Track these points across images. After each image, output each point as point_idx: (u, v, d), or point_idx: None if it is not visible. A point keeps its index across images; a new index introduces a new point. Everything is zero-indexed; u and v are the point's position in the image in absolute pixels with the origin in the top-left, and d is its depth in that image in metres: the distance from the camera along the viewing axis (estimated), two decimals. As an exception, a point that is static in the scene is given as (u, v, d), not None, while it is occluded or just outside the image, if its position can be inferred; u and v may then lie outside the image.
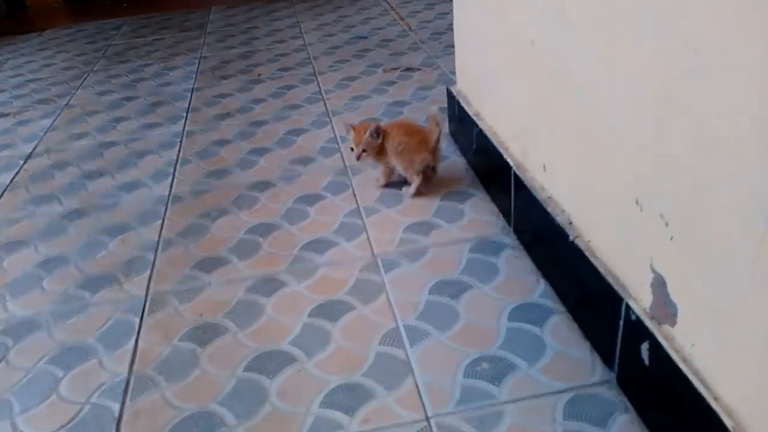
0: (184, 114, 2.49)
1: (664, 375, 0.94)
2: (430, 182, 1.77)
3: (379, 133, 1.72)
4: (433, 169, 1.77)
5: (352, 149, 1.74)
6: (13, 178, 2.09)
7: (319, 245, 1.58)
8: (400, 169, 1.75)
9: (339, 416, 1.11)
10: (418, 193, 1.74)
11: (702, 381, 0.87)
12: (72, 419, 1.16)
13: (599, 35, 1.05)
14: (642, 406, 1.04)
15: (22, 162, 2.20)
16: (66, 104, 2.72)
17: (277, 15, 3.81)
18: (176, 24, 3.88)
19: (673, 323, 0.94)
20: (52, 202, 1.92)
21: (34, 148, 2.31)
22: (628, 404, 1.06)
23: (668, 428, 0.98)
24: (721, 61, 0.75)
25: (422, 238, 1.55)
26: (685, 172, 0.86)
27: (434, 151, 1.72)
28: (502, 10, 1.49)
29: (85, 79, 3.03)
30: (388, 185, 1.80)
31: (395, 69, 2.68)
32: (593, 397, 1.09)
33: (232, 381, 1.21)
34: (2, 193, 2.00)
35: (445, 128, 1.99)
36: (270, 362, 1.24)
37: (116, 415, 1.17)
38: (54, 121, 2.54)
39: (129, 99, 2.71)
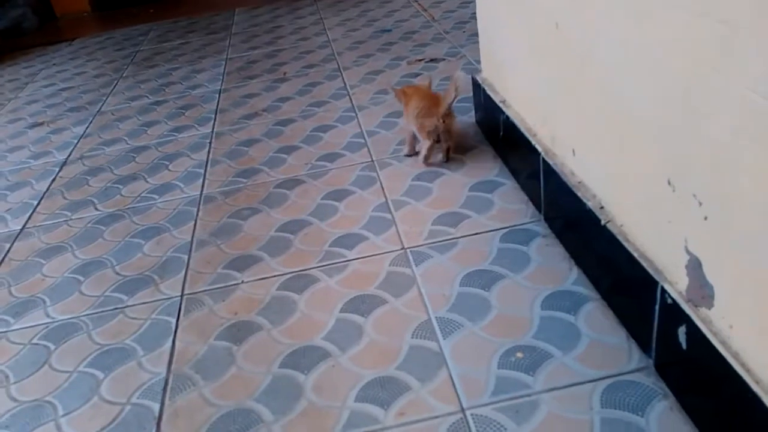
0: (213, 115, 2.51)
1: (703, 359, 0.92)
2: (449, 153, 1.86)
3: (395, 91, 1.93)
4: (447, 137, 1.81)
5: None
6: (49, 186, 2.14)
7: (349, 240, 1.58)
8: (415, 131, 1.84)
9: (374, 410, 1.11)
10: (429, 163, 1.84)
11: (742, 364, 0.85)
12: (114, 420, 1.19)
13: (624, 14, 1.03)
14: (681, 392, 1.02)
15: (57, 169, 2.25)
16: (98, 111, 2.77)
17: (301, 13, 3.83)
18: (202, 27, 3.92)
19: (710, 305, 0.92)
20: (88, 208, 1.96)
21: (69, 155, 2.35)
22: (667, 390, 1.04)
23: (709, 413, 0.96)
24: (750, 31, 0.73)
25: (452, 230, 1.55)
26: (716, 149, 0.84)
27: (445, 116, 1.77)
28: (524, -5, 1.47)
29: (115, 85, 3.08)
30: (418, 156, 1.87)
31: (419, 60, 2.67)
32: (631, 384, 1.07)
33: (267, 377, 1.22)
34: (40, 201, 2.05)
35: (467, 111, 1.97)
36: (304, 358, 1.25)
37: (156, 414, 1.19)
38: (87, 128, 2.59)
39: (158, 103, 2.75)
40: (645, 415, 1.01)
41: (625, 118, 1.08)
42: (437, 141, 1.81)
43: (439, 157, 1.86)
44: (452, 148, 1.85)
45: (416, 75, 2.51)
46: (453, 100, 1.75)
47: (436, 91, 1.89)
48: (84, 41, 4.06)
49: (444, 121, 1.77)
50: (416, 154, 1.88)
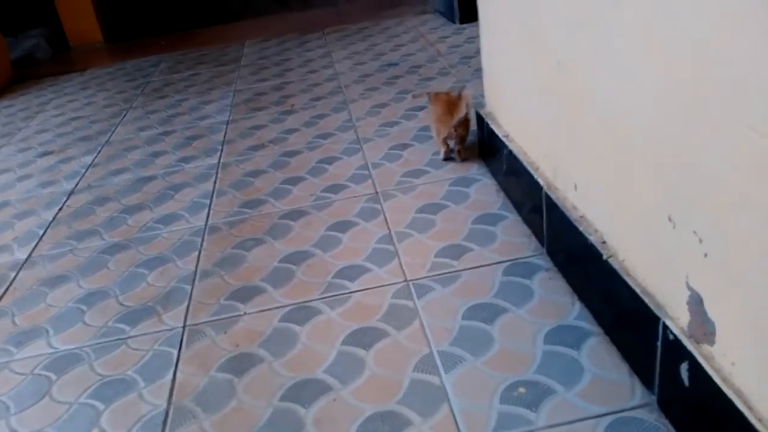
0: (220, 146, 2.54)
1: (705, 396, 0.92)
2: (461, 154, 2.05)
3: (428, 98, 2.13)
4: (458, 146, 2.02)
5: None
6: (56, 215, 2.16)
7: (352, 272, 1.58)
8: (433, 134, 2.12)
9: (374, 444, 1.10)
10: (449, 158, 2.07)
11: (744, 401, 0.84)
12: (113, 451, 1.18)
13: (624, 52, 1.04)
14: (684, 429, 1.01)
15: (65, 198, 2.27)
16: (107, 141, 2.80)
17: (309, 46, 3.88)
18: (212, 59, 3.97)
19: (711, 342, 0.91)
20: (94, 237, 1.97)
21: (76, 185, 2.38)
22: (670, 427, 1.03)
23: (712, 452, 0.95)
24: (750, 72, 0.74)
25: (454, 262, 1.55)
26: (716, 187, 0.84)
27: (456, 127, 1.95)
28: (527, 31, 1.49)
29: (124, 115, 3.12)
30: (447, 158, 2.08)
31: (426, 94, 2.69)
32: (633, 421, 1.06)
33: (268, 411, 1.21)
34: (46, 230, 2.06)
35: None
36: (305, 391, 1.24)
37: (155, 446, 1.18)
38: (95, 157, 2.62)
39: (167, 133, 2.78)
40: (648, 453, 1.00)
41: (626, 153, 1.09)
42: (448, 146, 2.04)
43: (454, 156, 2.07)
44: (463, 151, 2.05)
45: (421, 108, 2.54)
46: (464, 115, 1.94)
47: (454, 100, 2.00)
48: (95, 72, 4.12)
49: (456, 131, 1.96)
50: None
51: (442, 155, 2.07)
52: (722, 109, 0.81)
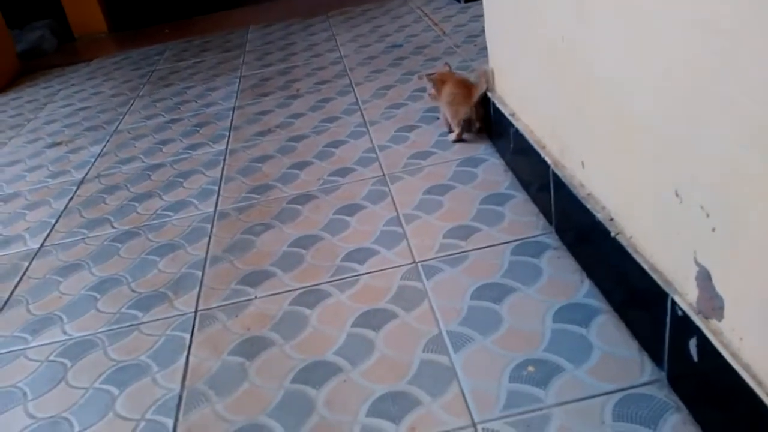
0: (227, 132, 2.54)
1: (714, 371, 0.92)
2: (481, 131, 2.05)
3: (432, 80, 2.09)
4: (478, 122, 2.01)
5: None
6: (67, 204, 2.17)
7: (361, 254, 1.59)
8: (447, 116, 2.06)
9: (386, 425, 1.11)
10: (460, 140, 2.03)
11: (753, 376, 0.84)
12: (128, 435, 1.20)
13: (626, 26, 1.03)
14: (694, 405, 1.01)
15: (75, 188, 2.29)
16: (114, 130, 2.81)
17: (313, 30, 3.86)
18: (216, 46, 3.97)
19: (720, 317, 0.91)
20: (105, 225, 1.99)
21: (86, 174, 2.39)
22: (680, 403, 1.04)
23: (722, 427, 0.95)
24: (748, 41, 0.73)
25: (463, 243, 1.55)
26: (721, 160, 0.84)
27: (476, 106, 1.95)
28: (530, 8, 1.48)
29: (131, 104, 3.13)
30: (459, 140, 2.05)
31: (430, 75, 2.68)
32: (643, 398, 1.06)
33: (279, 393, 1.23)
34: (57, 219, 2.08)
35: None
36: (316, 373, 1.26)
37: (170, 430, 1.20)
38: (104, 147, 2.64)
39: (174, 121, 2.79)
40: (657, 428, 1.01)
41: (631, 129, 1.08)
42: (468, 127, 2.02)
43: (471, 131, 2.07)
44: (483, 128, 2.04)
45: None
46: (483, 92, 1.91)
47: (465, 79, 2.03)
48: (101, 61, 4.13)
49: (476, 109, 1.97)
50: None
51: (454, 137, 2.04)
52: (722, 81, 0.80)
